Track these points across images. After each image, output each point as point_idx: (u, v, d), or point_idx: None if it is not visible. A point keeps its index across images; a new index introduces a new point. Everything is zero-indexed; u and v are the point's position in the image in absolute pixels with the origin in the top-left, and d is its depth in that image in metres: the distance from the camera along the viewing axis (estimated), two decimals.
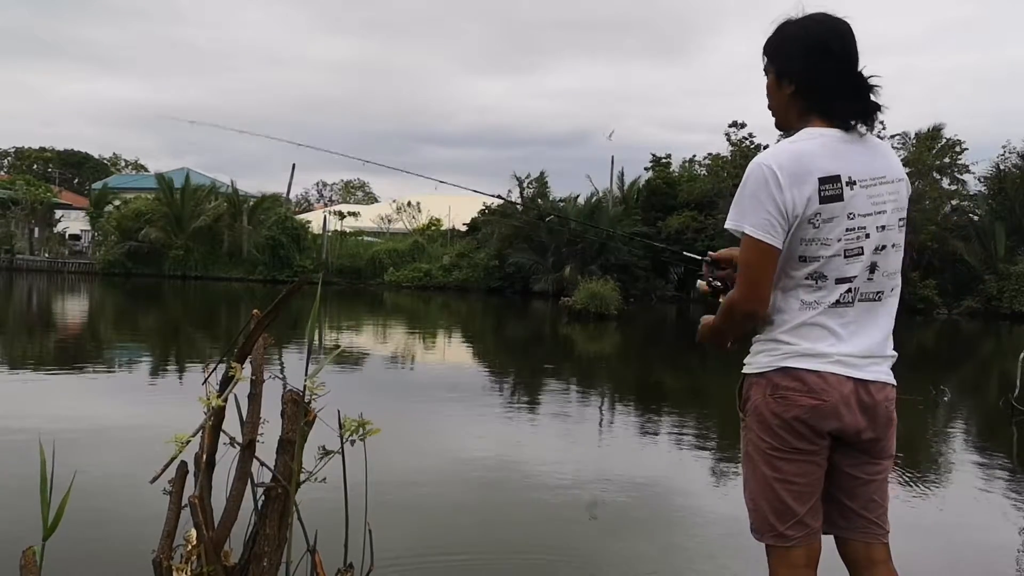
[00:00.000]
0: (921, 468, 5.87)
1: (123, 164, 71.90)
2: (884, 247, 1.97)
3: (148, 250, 33.45)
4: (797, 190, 1.89)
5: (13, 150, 67.35)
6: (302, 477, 2.25)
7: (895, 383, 2.03)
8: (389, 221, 43.54)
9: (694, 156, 36.35)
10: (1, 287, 27.23)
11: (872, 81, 1.97)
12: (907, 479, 5.44)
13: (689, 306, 28.20)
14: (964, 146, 32.53)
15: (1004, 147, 31.55)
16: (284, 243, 33.93)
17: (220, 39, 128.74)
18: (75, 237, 43.41)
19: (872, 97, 1.97)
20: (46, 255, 38.21)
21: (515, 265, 30.21)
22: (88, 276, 34.01)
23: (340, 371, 9.55)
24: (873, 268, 1.97)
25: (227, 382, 2.25)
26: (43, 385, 8.42)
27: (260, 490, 2.27)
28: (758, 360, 2.02)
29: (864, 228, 1.94)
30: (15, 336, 13.66)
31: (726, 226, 1.98)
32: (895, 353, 2.04)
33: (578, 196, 32.34)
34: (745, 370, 2.06)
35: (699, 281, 2.40)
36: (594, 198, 32.42)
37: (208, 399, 2.20)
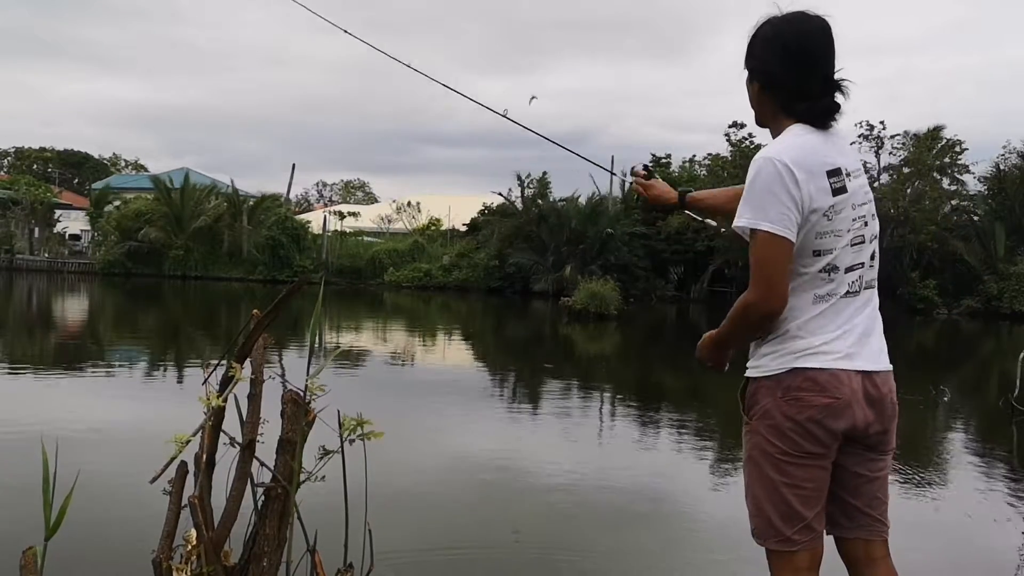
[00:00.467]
0: (921, 468, 5.87)
1: (123, 164, 71.93)
2: (876, 235, 2.04)
3: (148, 250, 33.44)
4: (813, 184, 1.90)
5: (13, 150, 67.43)
6: (302, 477, 2.25)
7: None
8: (389, 221, 43.53)
9: (694, 156, 36.44)
10: (1, 287, 27.23)
11: (841, 81, 1.99)
12: (907, 479, 5.44)
13: (689, 306, 28.22)
14: (964, 146, 32.63)
15: (1004, 147, 31.60)
16: (284, 243, 33.92)
17: (220, 39, 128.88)
18: (75, 237, 43.40)
19: (838, 96, 1.98)
20: (46, 255, 38.20)
21: (515, 265, 30.21)
22: (88, 276, 34.00)
23: (340, 371, 9.55)
24: (874, 256, 2.01)
25: (227, 382, 2.25)
26: (43, 385, 8.42)
27: (260, 490, 2.27)
28: (766, 363, 1.98)
29: (863, 217, 1.98)
30: (15, 336, 13.66)
31: (736, 225, 1.93)
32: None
33: (579, 196, 32.34)
34: (751, 373, 2.02)
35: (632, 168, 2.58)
36: (595, 197, 32.40)
37: (208, 399, 2.21)
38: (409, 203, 44.17)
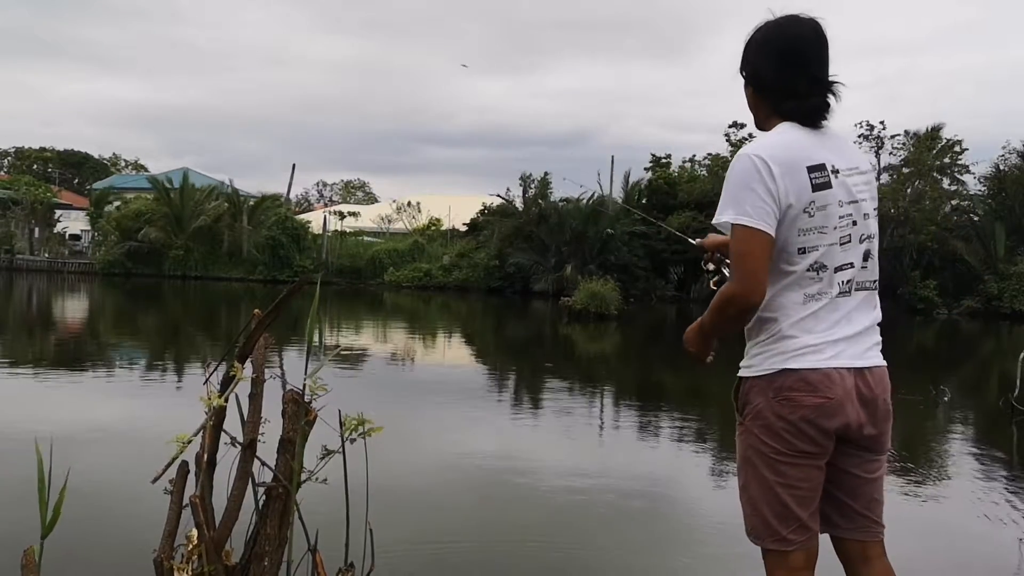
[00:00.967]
0: (921, 468, 5.87)
1: (123, 164, 71.92)
2: (872, 235, 2.01)
3: (148, 250, 33.44)
4: (790, 179, 1.90)
5: (13, 150, 67.40)
6: (303, 477, 2.25)
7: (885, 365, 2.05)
8: (389, 221, 43.52)
9: (694, 156, 36.44)
10: (1, 287, 27.23)
11: (832, 82, 2.00)
12: (907, 478, 5.44)
13: (689, 306, 28.20)
14: (964, 146, 32.64)
15: (1004, 147, 31.61)
16: (284, 243, 33.92)
17: (220, 39, 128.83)
18: (75, 237, 43.39)
19: (828, 98, 2.00)
20: (46, 255, 38.19)
21: (515, 265, 30.20)
22: (88, 276, 34.00)
23: (341, 371, 9.55)
24: (867, 256, 2.00)
25: (228, 382, 2.25)
26: (43, 385, 8.42)
27: (261, 490, 2.27)
28: (758, 362, 1.99)
29: (851, 215, 1.96)
30: (15, 336, 13.66)
31: (715, 222, 1.96)
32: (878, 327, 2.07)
33: (581, 197, 32.34)
34: (743, 373, 2.03)
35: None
36: (595, 197, 32.38)
37: (209, 399, 2.21)
38: (409, 203, 44.18)
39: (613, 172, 35.78)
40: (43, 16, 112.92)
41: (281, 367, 8.72)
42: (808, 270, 1.94)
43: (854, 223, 1.96)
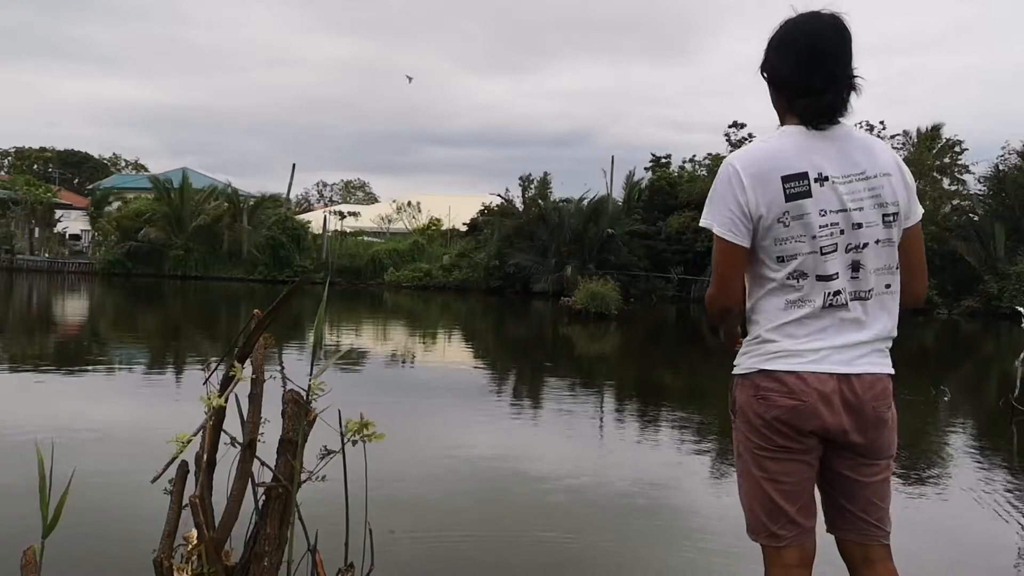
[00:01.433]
0: (921, 468, 5.87)
1: (123, 164, 71.94)
2: (865, 244, 1.95)
3: (148, 250, 33.43)
4: (761, 189, 1.92)
5: (13, 150, 67.41)
6: (303, 477, 2.25)
7: (891, 372, 2.00)
8: (389, 221, 43.54)
9: (694, 156, 36.44)
10: (1, 287, 27.23)
11: (850, 78, 1.96)
12: (907, 478, 5.44)
13: (689, 306, 28.20)
14: (964, 146, 32.65)
15: (1003, 147, 31.61)
16: (284, 243, 33.91)
17: (220, 39, 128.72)
18: (75, 237, 43.38)
19: (845, 94, 1.96)
20: (46, 255, 38.17)
21: (515, 265, 30.20)
22: (88, 276, 33.98)
23: (341, 371, 9.55)
24: (856, 266, 1.95)
25: (228, 382, 2.25)
26: (43, 385, 8.42)
27: (261, 490, 2.27)
28: (742, 361, 2.05)
29: (837, 224, 1.93)
30: (16, 336, 13.66)
31: (700, 223, 2.03)
32: (889, 337, 2.01)
33: (582, 197, 32.34)
34: (734, 371, 2.08)
35: None
36: (595, 196, 32.39)
37: (209, 399, 2.21)
38: (409, 203, 44.20)
39: (613, 172, 35.81)
40: (43, 16, 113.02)
41: (281, 367, 8.72)
42: (788, 278, 1.95)
43: (841, 232, 1.93)
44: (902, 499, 4.91)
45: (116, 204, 38.20)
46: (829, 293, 1.94)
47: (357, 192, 79.28)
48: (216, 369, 2.34)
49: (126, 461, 5.01)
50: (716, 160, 33.43)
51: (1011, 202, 29.24)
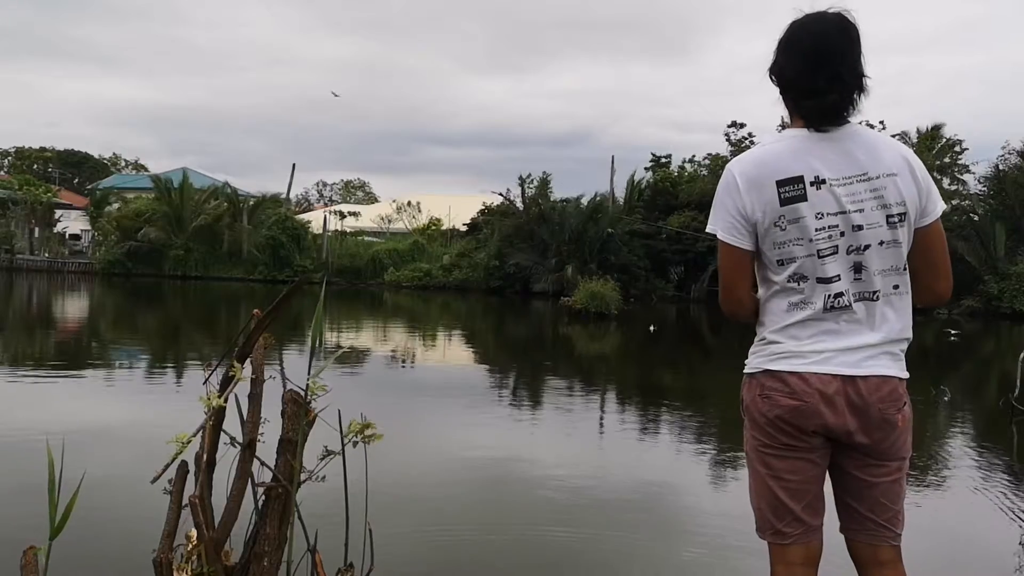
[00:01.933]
0: (921, 468, 5.87)
1: (123, 164, 71.94)
2: (867, 246, 1.93)
3: (148, 250, 33.44)
4: (756, 194, 1.95)
5: (13, 150, 67.40)
6: (303, 477, 2.25)
7: (902, 376, 1.99)
8: (389, 221, 43.54)
9: (694, 156, 36.45)
10: (1, 287, 27.23)
11: (858, 78, 1.94)
12: (907, 478, 5.44)
13: (689, 306, 28.20)
14: (964, 146, 32.68)
15: (1004, 147, 31.62)
16: (284, 243, 33.91)
17: (220, 39, 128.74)
18: (75, 237, 43.39)
19: (852, 94, 1.94)
20: (46, 255, 38.18)
21: (515, 265, 30.20)
22: (88, 276, 33.99)
23: (341, 371, 9.55)
24: (859, 268, 1.94)
25: (227, 382, 2.25)
26: (43, 385, 8.42)
27: (260, 490, 2.27)
28: (750, 361, 2.08)
29: (836, 226, 1.92)
30: (16, 336, 13.66)
31: (707, 229, 2.06)
32: (901, 339, 1.99)
33: (580, 196, 32.34)
34: (744, 370, 2.10)
35: None
36: (597, 197, 32.39)
37: (208, 399, 2.21)
38: (409, 203, 44.20)
39: (613, 172, 35.81)
40: (43, 16, 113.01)
41: (281, 367, 8.71)
42: (789, 280, 1.98)
43: (841, 234, 1.92)
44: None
45: (116, 204, 38.18)
46: (830, 295, 1.94)
47: (357, 192, 79.28)
48: (216, 369, 2.34)
49: (126, 461, 5.01)
50: (716, 160, 33.46)
51: (1011, 202, 29.24)
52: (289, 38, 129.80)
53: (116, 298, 25.17)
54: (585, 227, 29.95)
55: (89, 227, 40.01)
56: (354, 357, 11.38)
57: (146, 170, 59.11)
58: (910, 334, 2.01)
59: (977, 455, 6.63)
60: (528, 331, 19.58)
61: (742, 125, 33.19)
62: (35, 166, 64.33)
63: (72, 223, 43.98)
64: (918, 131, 32.26)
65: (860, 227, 1.93)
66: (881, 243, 1.94)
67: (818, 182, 1.92)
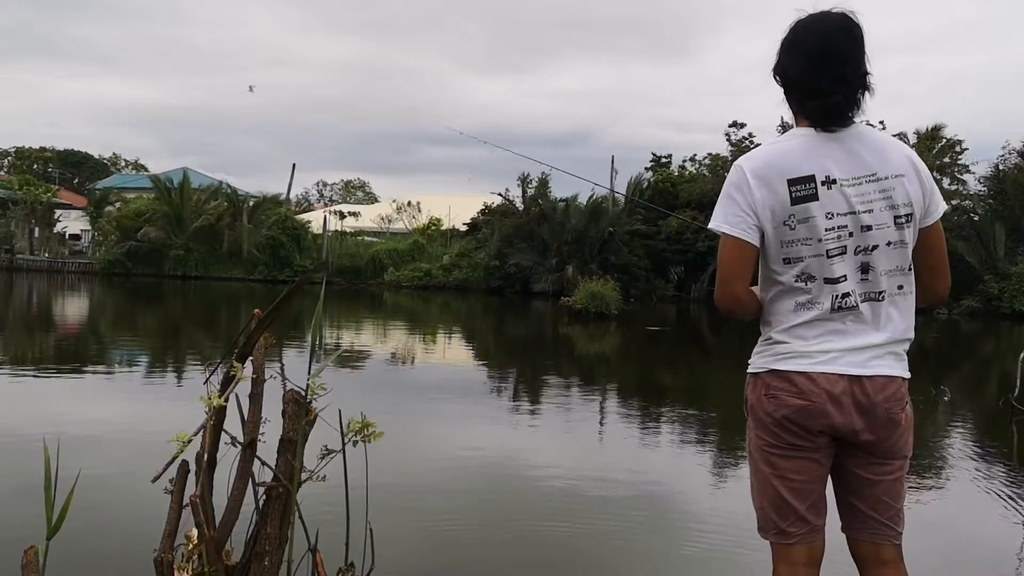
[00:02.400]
0: (921, 467, 5.87)
1: (123, 164, 71.93)
2: (875, 246, 1.94)
3: (148, 250, 33.45)
4: (767, 191, 1.93)
5: (13, 150, 67.40)
6: (303, 476, 2.25)
7: (905, 376, 2.00)
8: (389, 221, 43.55)
9: (694, 155, 36.40)
10: (1, 287, 27.23)
11: (861, 77, 1.94)
12: (907, 478, 5.43)
13: (689, 306, 28.20)
14: (964, 146, 32.65)
15: (1004, 147, 31.62)
16: (284, 243, 33.93)
17: (220, 39, 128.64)
18: (75, 237, 43.41)
19: (856, 94, 1.94)
20: (46, 255, 38.20)
21: (515, 265, 30.21)
22: (88, 276, 34.00)
23: (341, 371, 9.55)
24: (866, 268, 1.95)
25: (228, 382, 2.25)
26: (43, 385, 8.43)
27: (261, 489, 2.27)
28: (755, 361, 2.07)
29: (846, 227, 1.92)
30: (16, 336, 13.66)
31: (709, 227, 2.03)
32: (905, 339, 2.00)
33: (578, 195, 32.35)
34: (748, 370, 2.10)
35: None
36: (594, 196, 32.38)
37: (209, 399, 2.21)
38: (409, 203, 44.19)
39: (613, 172, 35.79)
40: (43, 16, 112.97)
41: (281, 367, 8.71)
42: (796, 280, 1.97)
43: (850, 234, 1.93)
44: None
45: (116, 204, 38.19)
46: (837, 295, 1.94)
47: (357, 192, 79.27)
48: (216, 369, 2.34)
49: (126, 461, 5.01)
50: (716, 160, 33.43)
51: (1011, 202, 29.25)
52: (289, 38, 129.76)
53: (116, 298, 25.17)
54: (586, 227, 29.96)
55: (89, 227, 40.01)
56: (354, 357, 11.38)
57: (146, 170, 59.11)
58: (913, 334, 2.02)
59: (977, 455, 6.63)
60: (528, 331, 19.58)
61: (743, 125, 33.16)
62: (35, 166, 64.34)
63: (72, 223, 43.99)
64: (917, 133, 32.22)
65: (869, 227, 1.93)
66: (889, 244, 1.95)
67: (828, 182, 1.92)
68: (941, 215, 2.04)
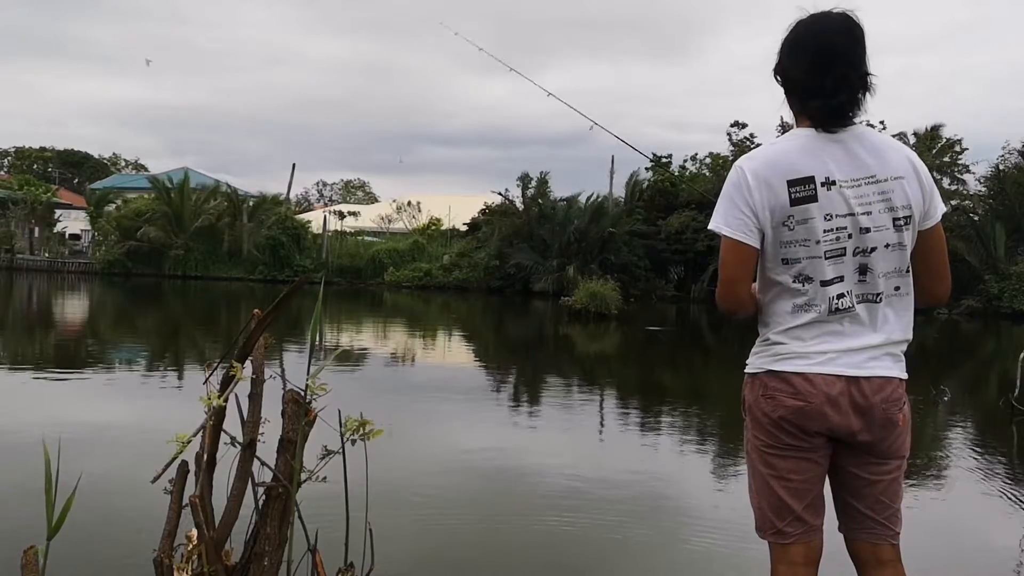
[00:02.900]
0: (921, 467, 5.87)
1: (123, 164, 71.93)
2: (873, 248, 1.94)
3: (148, 250, 33.42)
4: (767, 192, 1.93)
5: (13, 150, 67.39)
6: (303, 476, 2.25)
7: (903, 377, 2.00)
8: (389, 221, 43.52)
9: (695, 155, 36.38)
10: (1, 287, 27.23)
11: (863, 77, 1.94)
12: (907, 478, 5.43)
13: (689, 306, 28.20)
14: (963, 145, 32.65)
15: (1003, 148, 31.62)
16: (284, 243, 33.90)
17: (220, 39, 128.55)
18: (75, 237, 43.39)
19: (857, 95, 1.94)
20: (46, 255, 38.18)
21: (515, 265, 30.21)
22: (88, 276, 33.99)
23: (341, 371, 9.55)
24: (864, 270, 1.95)
25: (228, 382, 2.25)
26: (44, 385, 8.42)
27: (261, 489, 2.27)
28: (753, 361, 2.07)
29: (845, 228, 1.93)
30: (16, 336, 13.66)
31: (709, 227, 2.03)
32: (902, 340, 2.00)
33: (579, 194, 32.33)
34: (745, 370, 2.10)
35: None
36: (596, 197, 32.37)
37: (209, 399, 2.21)
38: (409, 203, 44.17)
39: (613, 172, 35.78)
40: (43, 16, 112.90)
41: (281, 367, 8.72)
42: (794, 281, 1.97)
43: (849, 236, 1.93)
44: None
45: (116, 204, 38.18)
46: (834, 297, 1.94)
47: (357, 192, 79.28)
48: (216, 369, 2.34)
49: (126, 461, 5.01)
50: (717, 159, 33.43)
51: (1011, 202, 29.24)
52: (289, 38, 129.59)
53: (116, 298, 25.17)
54: (586, 227, 29.95)
55: (89, 227, 40.00)
56: (354, 357, 11.38)
57: (146, 170, 59.16)
58: (911, 335, 2.03)
59: (977, 455, 6.63)
60: (528, 331, 19.58)
61: (744, 125, 33.14)
62: (35, 166, 64.32)
63: (72, 223, 43.97)
64: (915, 134, 32.21)
65: (867, 230, 1.93)
66: (887, 246, 1.95)
67: (828, 183, 1.92)
68: (941, 217, 2.04)
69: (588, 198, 31.85)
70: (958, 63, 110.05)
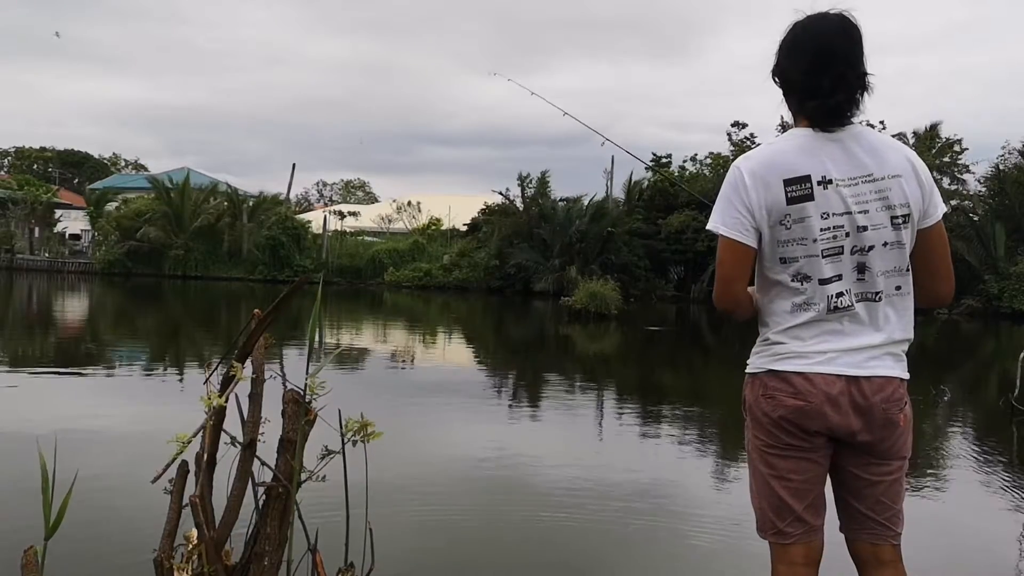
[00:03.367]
0: (921, 468, 5.87)
1: (123, 164, 71.92)
2: (871, 247, 1.94)
3: (148, 250, 33.45)
4: (763, 191, 1.93)
5: (13, 150, 67.37)
6: (303, 476, 2.25)
7: (904, 376, 2.00)
8: (389, 221, 43.53)
9: (695, 155, 36.40)
10: (1, 287, 27.22)
11: (860, 77, 1.95)
12: (907, 478, 5.44)
13: (689, 306, 28.20)
14: (963, 145, 32.67)
15: (1003, 148, 31.63)
16: (284, 243, 33.91)
17: (220, 39, 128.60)
18: (75, 237, 43.39)
19: (855, 94, 1.95)
20: (46, 255, 38.19)
21: (516, 265, 30.21)
22: (88, 276, 34.00)
23: (341, 370, 9.55)
24: (862, 268, 1.95)
25: (228, 381, 2.25)
26: (44, 385, 8.42)
27: (261, 489, 2.27)
28: (753, 361, 2.07)
29: (842, 227, 1.93)
30: (16, 336, 13.66)
31: (707, 227, 2.04)
32: (903, 339, 1.99)
33: (582, 196, 32.33)
34: (746, 370, 2.10)
35: None
36: (599, 196, 32.37)
37: (209, 399, 2.21)
38: (409, 203, 44.18)
39: (613, 172, 35.77)
40: (43, 16, 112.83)
41: (281, 367, 8.71)
42: (792, 280, 1.97)
43: (846, 235, 1.93)
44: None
45: (116, 204, 38.18)
46: (832, 296, 1.95)
47: (357, 192, 79.27)
48: (216, 369, 2.34)
49: (126, 461, 5.01)
50: (717, 159, 33.45)
51: (1011, 202, 29.25)
52: (289, 38, 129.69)
53: (116, 298, 25.17)
54: (586, 227, 29.96)
55: (89, 227, 40.00)
56: (354, 357, 11.38)
57: (146, 170, 59.14)
58: (912, 335, 2.02)
59: (977, 455, 6.63)
60: (528, 331, 19.58)
61: (744, 125, 33.20)
62: (35, 166, 64.32)
63: (72, 223, 43.98)
64: (915, 133, 32.22)
65: (864, 228, 1.93)
66: (885, 244, 1.95)
67: (825, 182, 1.92)
68: (941, 216, 2.03)
69: (590, 199, 31.85)
70: (957, 63, 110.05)
